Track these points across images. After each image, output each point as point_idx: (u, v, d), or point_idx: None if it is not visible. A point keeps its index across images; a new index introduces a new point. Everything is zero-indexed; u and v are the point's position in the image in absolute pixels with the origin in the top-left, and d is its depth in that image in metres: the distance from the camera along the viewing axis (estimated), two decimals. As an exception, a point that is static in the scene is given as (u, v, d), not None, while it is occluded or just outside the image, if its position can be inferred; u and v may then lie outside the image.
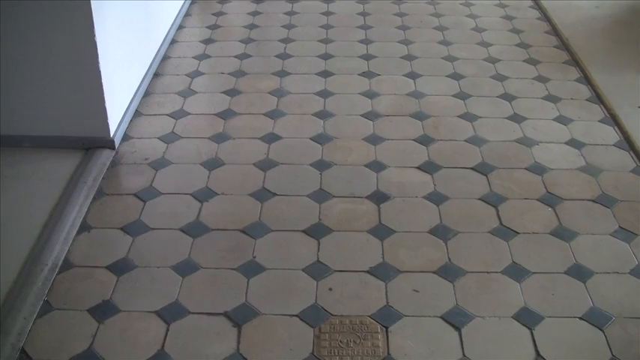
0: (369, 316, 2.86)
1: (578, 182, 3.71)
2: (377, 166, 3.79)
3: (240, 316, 2.85)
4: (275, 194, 3.56)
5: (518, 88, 4.61)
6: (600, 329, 2.82)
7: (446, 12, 5.82)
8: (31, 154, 3.83)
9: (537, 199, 3.56)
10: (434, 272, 3.09)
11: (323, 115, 4.26)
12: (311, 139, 4.03)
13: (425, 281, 3.04)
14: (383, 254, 3.18)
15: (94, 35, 3.58)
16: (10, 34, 3.58)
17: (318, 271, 3.08)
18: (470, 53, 5.09)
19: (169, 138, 4.02)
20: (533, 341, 2.76)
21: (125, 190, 3.61)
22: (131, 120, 4.17)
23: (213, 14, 5.72)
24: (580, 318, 2.87)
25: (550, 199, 3.56)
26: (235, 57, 4.98)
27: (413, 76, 4.73)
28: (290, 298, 2.94)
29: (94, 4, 3.54)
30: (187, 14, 5.71)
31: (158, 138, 4.02)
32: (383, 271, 3.08)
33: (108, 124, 3.84)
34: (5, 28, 3.57)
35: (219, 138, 4.02)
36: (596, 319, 2.87)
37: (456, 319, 2.85)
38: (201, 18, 5.69)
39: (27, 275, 3.02)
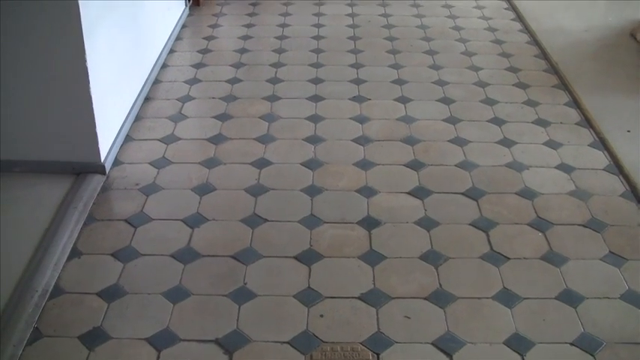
0: (361, 343, 2.86)
1: (568, 207, 3.73)
2: (368, 192, 3.80)
3: (231, 343, 2.85)
4: (266, 220, 3.57)
5: (508, 112, 4.64)
6: (591, 354, 2.83)
7: (436, 36, 5.86)
8: (22, 179, 3.82)
9: (527, 224, 3.58)
10: (425, 298, 3.09)
11: (314, 139, 4.27)
12: (302, 164, 4.04)
13: (416, 307, 3.05)
14: (374, 280, 3.19)
15: (85, 60, 3.60)
16: (0, 60, 3.59)
17: (309, 297, 3.08)
18: (460, 77, 5.13)
19: (160, 163, 4.03)
20: (525, 367, 2.78)
21: (116, 216, 3.61)
22: (122, 145, 4.17)
23: (204, 38, 5.75)
24: (571, 344, 2.88)
25: (540, 224, 3.57)
26: (226, 81, 5.00)
27: (403, 100, 4.76)
28: (281, 325, 2.94)
29: (85, 29, 3.56)
30: (178, 38, 5.73)
31: (149, 163, 4.03)
32: (374, 298, 3.09)
33: (99, 149, 3.85)
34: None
35: (210, 163, 4.03)
36: (587, 344, 2.87)
37: (447, 345, 2.85)
38: (192, 42, 5.72)
39: (17, 302, 3.01)
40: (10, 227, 3.49)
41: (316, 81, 5.01)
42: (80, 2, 3.48)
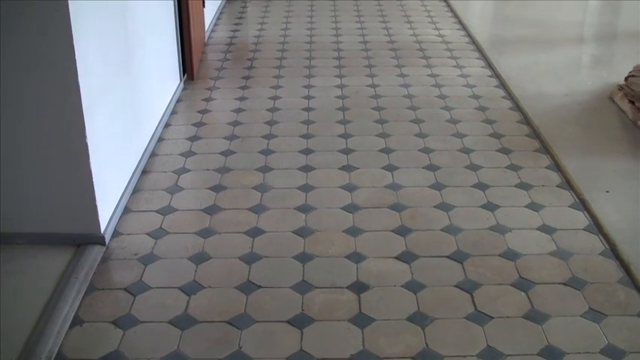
0: (351, 402, 2.98)
1: (550, 266, 3.87)
2: (357, 257, 3.94)
3: (227, 405, 2.96)
4: (259, 286, 3.70)
5: (492, 177, 4.81)
6: (572, 408, 2.95)
7: (422, 104, 6.06)
8: (25, 250, 3.96)
9: (510, 284, 3.72)
10: (412, 358, 3.21)
11: (305, 208, 4.43)
12: (293, 232, 4.18)
13: (404, 366, 3.18)
14: (363, 342, 3.31)
15: (86, 137, 3.78)
16: (4, 134, 3.78)
17: (301, 359, 3.20)
18: (445, 144, 5.30)
19: (157, 234, 4.17)
20: (508, 422, 2.89)
21: (116, 285, 3.74)
22: (121, 216, 4.32)
23: (199, 112, 5.93)
24: (552, 398, 3.01)
25: (522, 284, 3.71)
26: (220, 153, 5.16)
27: (390, 168, 4.92)
28: (275, 386, 3.06)
29: (85, 106, 3.74)
30: (174, 112, 5.92)
31: (147, 234, 4.17)
32: (364, 358, 3.21)
33: (99, 221, 4.00)
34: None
35: (206, 233, 4.18)
36: (567, 398, 3.00)
37: (433, 402, 2.97)
38: (187, 116, 5.90)
39: (21, 370, 3.13)
40: (13, 297, 3.61)
41: (307, 151, 5.18)
42: (80, 80, 3.66)
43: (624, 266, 3.87)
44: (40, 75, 3.65)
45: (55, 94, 3.70)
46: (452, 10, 9.24)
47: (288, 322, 3.45)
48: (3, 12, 3.52)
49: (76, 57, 3.62)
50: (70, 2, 3.52)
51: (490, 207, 4.44)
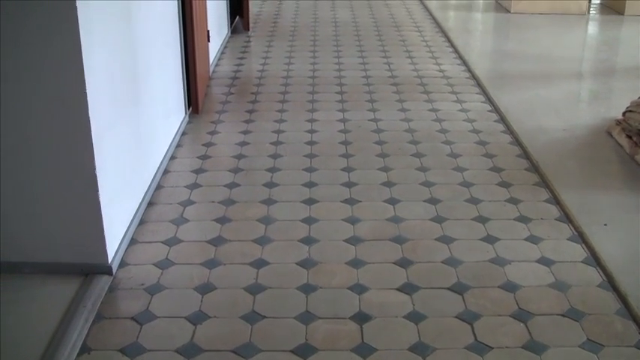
0: None
1: (548, 298, 3.95)
2: (359, 289, 4.01)
3: None
4: (264, 316, 3.77)
5: (492, 210, 4.89)
6: None
7: (423, 139, 6.15)
8: (33, 279, 4.03)
9: (510, 315, 3.79)
10: (414, 386, 3.30)
11: (308, 240, 4.50)
12: (297, 263, 4.26)
13: (405, 395, 3.25)
14: (366, 371, 3.39)
15: (95, 168, 3.87)
16: (17, 165, 3.88)
17: (305, 387, 3.28)
18: (446, 178, 5.39)
19: (164, 264, 4.25)
20: None
21: (123, 314, 3.81)
22: (127, 247, 4.40)
23: (204, 145, 6.03)
24: None
25: (522, 315, 3.79)
26: (225, 186, 5.25)
27: (392, 201, 5.01)
28: (279, 414, 3.13)
29: (95, 138, 3.84)
30: (179, 145, 6.01)
31: (153, 264, 4.25)
32: (366, 387, 3.29)
33: (106, 251, 4.08)
34: (6, 164, 3.87)
35: (211, 264, 4.25)
36: None
37: None
38: (192, 149, 6.00)
39: (31, 397, 3.19)
40: (22, 325, 3.68)
41: (310, 185, 5.26)
42: (91, 113, 3.77)
43: (621, 298, 3.94)
44: (51, 108, 3.77)
45: (66, 127, 3.81)
46: (452, 46, 9.38)
47: (292, 351, 3.51)
48: (16, 49, 3.64)
49: (87, 91, 3.73)
50: (82, 38, 3.64)
51: (490, 240, 4.52)
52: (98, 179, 3.92)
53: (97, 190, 3.93)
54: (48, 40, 3.64)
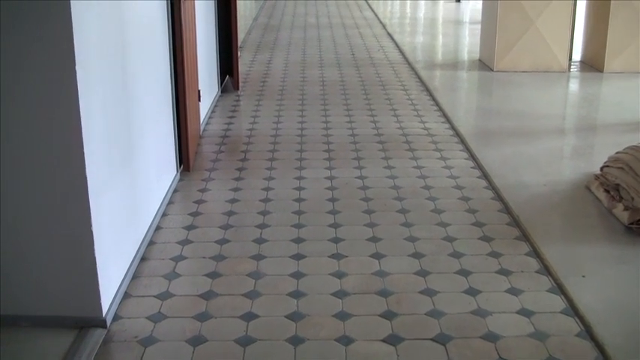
0: None
1: (528, 347, 4.08)
2: (346, 340, 4.13)
3: None
4: (254, 367, 3.91)
5: (474, 263, 5.03)
6: None
7: (408, 195, 6.30)
8: (28, 332, 4.14)
9: (491, 365, 3.94)
10: None
11: (296, 294, 4.62)
12: (286, 316, 4.37)
13: None
14: (352, 419, 3.51)
15: (91, 225, 4.03)
16: (12, 219, 4.04)
17: None
18: (429, 233, 5.53)
19: (156, 317, 4.36)
20: None
21: (117, 367, 3.94)
22: (121, 301, 4.51)
23: (195, 202, 6.16)
24: None
25: (502, 364, 3.94)
26: (216, 242, 5.37)
27: (378, 256, 5.14)
28: None
29: (91, 195, 4.00)
30: (171, 202, 6.14)
31: (146, 317, 4.36)
32: None
33: (101, 305, 4.20)
34: (6, 221, 4.03)
35: (202, 317, 4.37)
36: None
37: None
38: (184, 206, 6.14)
39: None
40: (18, 379, 3.80)
41: (298, 240, 5.39)
42: (87, 172, 3.94)
43: (599, 347, 4.08)
44: (49, 167, 3.95)
45: (63, 186, 3.98)
46: (437, 104, 9.55)
47: (281, 401, 3.64)
48: (7, 101, 3.84)
49: (84, 153, 3.92)
50: (80, 103, 3.84)
51: (472, 292, 4.66)
52: (94, 236, 4.07)
53: (93, 246, 4.08)
54: (44, 97, 3.86)
